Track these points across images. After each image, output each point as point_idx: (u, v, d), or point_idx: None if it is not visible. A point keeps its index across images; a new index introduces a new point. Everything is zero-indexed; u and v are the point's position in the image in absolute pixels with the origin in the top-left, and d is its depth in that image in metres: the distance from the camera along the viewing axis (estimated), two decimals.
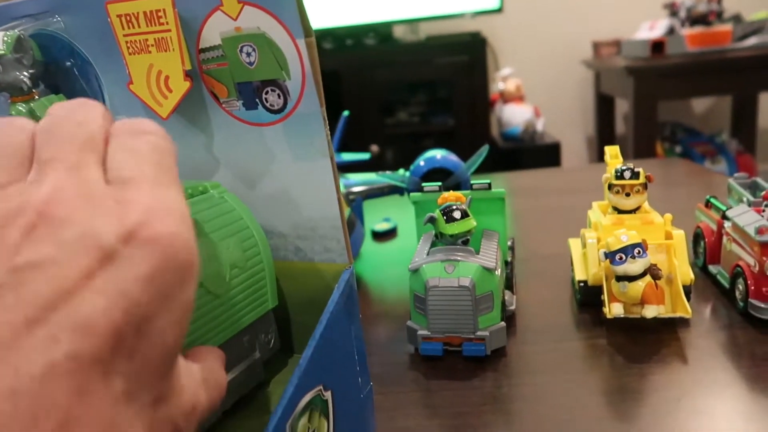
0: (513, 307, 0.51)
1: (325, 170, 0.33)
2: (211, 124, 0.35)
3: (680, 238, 0.50)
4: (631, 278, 0.45)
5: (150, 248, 0.17)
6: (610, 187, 0.52)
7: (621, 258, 0.45)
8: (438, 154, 0.68)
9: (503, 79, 2.14)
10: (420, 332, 0.46)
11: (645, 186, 0.51)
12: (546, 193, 0.93)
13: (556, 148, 2.00)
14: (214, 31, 0.31)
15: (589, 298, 0.51)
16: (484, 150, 0.65)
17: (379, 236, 0.78)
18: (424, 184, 0.54)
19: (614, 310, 0.46)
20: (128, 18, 0.31)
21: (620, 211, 0.52)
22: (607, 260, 0.46)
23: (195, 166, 0.36)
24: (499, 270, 0.47)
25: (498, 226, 0.53)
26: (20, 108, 0.34)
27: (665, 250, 0.49)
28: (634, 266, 0.45)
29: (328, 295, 0.32)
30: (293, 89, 0.32)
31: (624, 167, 0.51)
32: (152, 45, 0.31)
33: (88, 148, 0.19)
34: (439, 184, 0.54)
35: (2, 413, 0.13)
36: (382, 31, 2.13)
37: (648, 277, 0.45)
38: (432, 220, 0.47)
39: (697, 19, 1.81)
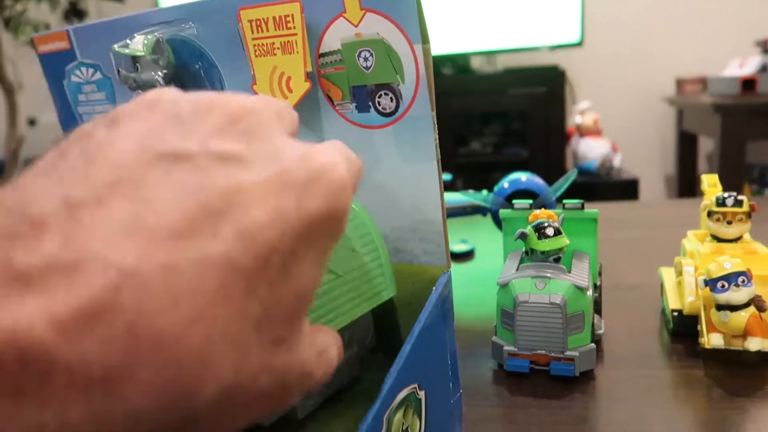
0: (602, 332, 0.49)
1: (431, 173, 0.34)
2: (323, 125, 0.36)
3: None
4: (734, 308, 0.43)
5: (324, 191, 0.17)
6: (710, 214, 0.50)
7: (723, 286, 0.43)
8: (523, 176, 0.68)
9: (581, 112, 2.11)
10: (506, 348, 0.45)
11: (748, 215, 0.49)
12: (628, 225, 0.91)
13: (634, 185, 1.95)
14: (335, 36, 0.33)
15: (682, 328, 0.49)
16: (573, 174, 0.64)
17: (457, 257, 0.78)
18: (514, 201, 0.54)
19: (713, 340, 0.44)
20: (258, 23, 0.34)
21: (720, 240, 0.50)
22: (707, 288, 0.44)
23: None
24: (590, 290, 0.46)
25: (589, 248, 0.52)
26: None
27: None
28: (738, 295, 0.43)
29: (424, 298, 0.33)
30: (406, 93, 0.33)
31: (726, 194, 0.49)
32: (278, 48, 0.34)
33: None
34: (530, 201, 0.53)
35: (157, 282, 0.14)
36: (459, 62, 2.15)
37: (752, 308, 0.43)
38: (523, 236, 0.47)
39: None
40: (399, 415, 0.29)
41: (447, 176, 0.88)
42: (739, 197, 0.49)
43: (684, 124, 2.18)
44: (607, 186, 1.97)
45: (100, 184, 0.15)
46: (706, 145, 2.30)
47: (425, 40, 0.32)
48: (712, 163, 2.33)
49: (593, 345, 0.45)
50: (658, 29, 2.27)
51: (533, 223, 0.47)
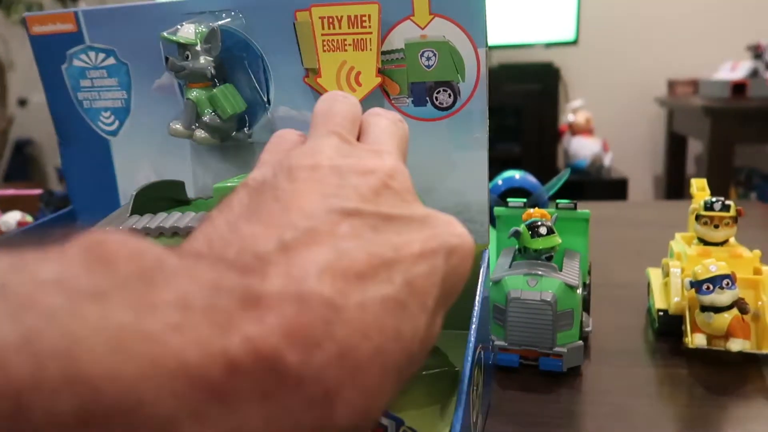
0: (590, 329, 0.51)
1: (481, 160, 0.39)
2: None
3: None
4: (718, 309, 0.45)
5: (462, 256, 0.21)
6: (698, 218, 0.52)
7: (708, 288, 0.45)
8: (517, 174, 0.69)
9: (573, 111, 2.12)
10: (497, 343, 0.46)
11: (735, 220, 0.50)
12: (617, 224, 0.92)
13: (623, 184, 1.97)
14: (400, 36, 0.36)
15: (667, 327, 0.51)
16: (566, 173, 0.66)
17: None
18: (508, 199, 0.55)
19: (697, 340, 0.46)
20: (330, 20, 0.36)
21: (706, 243, 0.52)
22: (692, 290, 0.46)
23: None
24: (580, 289, 0.48)
25: (580, 246, 0.53)
26: (198, 93, 0.38)
27: (753, 285, 0.48)
28: (722, 297, 0.44)
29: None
30: (465, 90, 0.37)
31: (714, 199, 0.51)
32: (350, 44, 0.36)
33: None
34: (524, 200, 0.55)
35: (354, 318, 0.16)
36: None
37: (735, 310, 0.45)
38: (517, 234, 0.48)
39: None
40: (476, 370, 0.32)
41: None
42: (727, 202, 0.51)
43: (674, 126, 2.21)
44: (597, 184, 1.99)
45: (303, 229, 0.18)
46: (695, 147, 2.33)
47: (486, 44, 0.36)
48: (700, 165, 2.36)
49: (581, 342, 0.46)
50: (652, 30, 2.29)
51: (527, 222, 0.48)
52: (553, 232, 0.47)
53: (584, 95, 2.26)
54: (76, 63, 0.44)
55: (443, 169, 0.39)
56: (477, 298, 0.34)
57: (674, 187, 2.28)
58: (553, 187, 0.65)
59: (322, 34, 0.36)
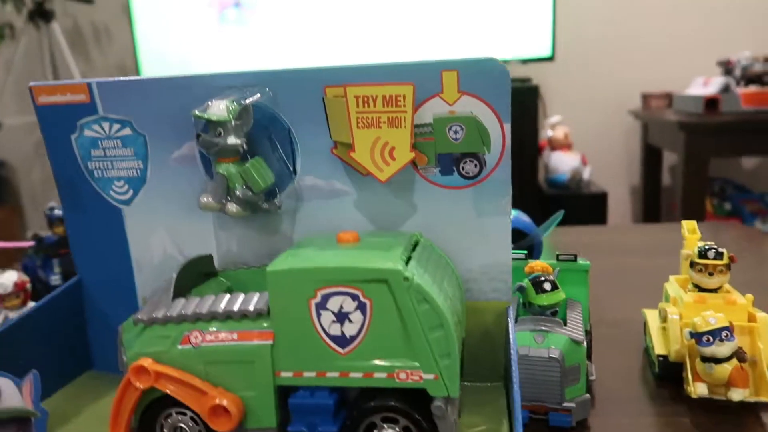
0: (593, 377, 0.52)
1: (504, 225, 0.42)
2: (408, 185, 0.42)
3: (764, 320, 0.50)
4: (718, 360, 0.46)
5: None
6: (693, 265, 0.53)
7: (708, 340, 0.46)
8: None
9: (552, 126, 2.16)
10: None
11: (728, 266, 0.52)
12: (599, 252, 0.94)
13: (602, 198, 2.00)
14: (429, 111, 0.39)
15: (668, 372, 0.52)
16: (559, 215, 0.67)
17: None
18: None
19: (699, 389, 0.47)
20: (365, 99, 0.38)
21: (701, 289, 0.53)
22: (693, 340, 0.47)
23: (390, 217, 0.43)
24: (585, 342, 0.49)
25: (580, 296, 0.55)
26: (229, 168, 0.39)
27: (749, 332, 0.50)
28: (722, 349, 0.46)
29: (493, 329, 0.40)
30: (491, 160, 0.40)
31: (707, 246, 0.53)
32: (384, 122, 0.38)
33: None
34: (525, 252, 0.56)
35: None
36: None
37: (734, 360, 0.46)
38: (521, 290, 0.49)
39: (752, 79, 1.81)
40: None
41: None
42: (720, 249, 0.52)
43: (649, 138, 2.25)
44: (577, 199, 2.02)
45: None
46: (670, 158, 2.39)
47: (509, 119, 0.39)
48: (675, 176, 2.41)
49: (588, 396, 0.47)
50: (626, 46, 2.34)
51: (530, 276, 0.49)
52: (557, 287, 0.49)
53: (561, 110, 2.30)
54: (88, 133, 0.44)
55: (468, 233, 0.42)
56: (512, 357, 0.37)
57: (651, 197, 2.33)
58: (548, 229, 0.67)
59: (357, 112, 0.38)
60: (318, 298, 0.33)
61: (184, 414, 0.35)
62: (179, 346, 0.35)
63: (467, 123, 0.39)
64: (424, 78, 0.38)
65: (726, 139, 1.80)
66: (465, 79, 0.38)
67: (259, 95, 0.40)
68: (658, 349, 0.53)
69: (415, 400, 0.34)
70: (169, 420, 0.36)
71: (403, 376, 0.33)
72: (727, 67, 1.89)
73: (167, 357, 0.35)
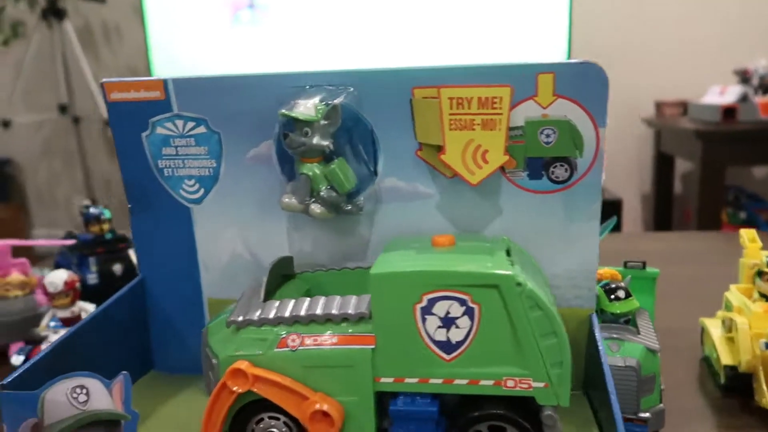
0: (663, 387, 0.51)
1: (592, 230, 0.41)
2: (494, 189, 0.41)
3: None
4: None
5: None
6: (761, 273, 0.53)
7: None
8: None
9: None
10: None
11: None
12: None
13: (617, 205, 2.00)
14: (521, 114, 0.38)
15: (735, 383, 0.52)
16: (612, 221, 0.66)
17: None
18: None
19: None
20: (459, 101, 0.37)
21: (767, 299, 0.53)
22: (767, 350, 0.47)
23: (473, 220, 0.42)
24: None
25: (647, 304, 0.54)
26: (314, 168, 0.38)
27: None
28: None
29: (575, 336, 0.39)
30: (582, 165, 0.39)
31: None
32: (478, 124, 0.37)
33: None
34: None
35: None
36: None
37: None
38: None
39: None
40: None
41: None
42: None
43: (662, 146, 2.25)
44: None
45: None
46: (682, 166, 2.39)
47: (605, 124, 0.38)
48: (687, 184, 2.41)
49: (662, 406, 0.46)
50: (640, 52, 2.34)
51: (601, 284, 0.49)
52: (630, 296, 0.48)
53: None
54: (160, 131, 0.43)
55: (555, 239, 0.41)
56: (604, 365, 0.36)
57: (663, 206, 2.32)
58: (601, 234, 0.66)
59: (450, 114, 0.37)
60: (424, 303, 0.32)
61: (278, 419, 0.34)
62: (276, 349, 0.34)
63: (560, 126, 0.38)
64: (519, 80, 0.37)
65: (743, 147, 1.80)
66: (561, 83, 0.37)
67: (343, 96, 0.39)
68: (725, 359, 0.53)
69: (521, 407, 0.33)
70: (261, 425, 0.35)
71: (511, 383, 0.32)
72: (744, 76, 1.89)
73: (263, 360, 0.34)
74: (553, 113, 0.38)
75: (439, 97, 0.37)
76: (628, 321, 0.48)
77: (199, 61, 2.31)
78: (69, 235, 0.82)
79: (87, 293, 0.67)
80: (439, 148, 0.38)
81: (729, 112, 1.81)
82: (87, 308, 0.60)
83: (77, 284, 0.58)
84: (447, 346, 0.33)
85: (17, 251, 0.70)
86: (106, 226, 0.79)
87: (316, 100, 0.38)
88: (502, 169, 0.39)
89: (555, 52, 2.12)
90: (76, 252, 0.78)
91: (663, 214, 2.35)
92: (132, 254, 0.79)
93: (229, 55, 2.30)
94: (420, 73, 0.39)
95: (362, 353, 0.33)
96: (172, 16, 2.29)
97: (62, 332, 0.57)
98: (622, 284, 0.48)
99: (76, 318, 0.58)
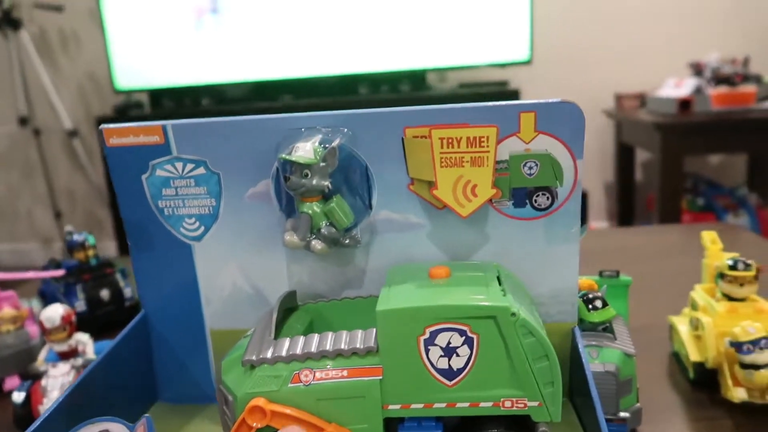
0: (638, 386, 0.55)
1: (573, 251, 0.44)
2: (481, 217, 0.44)
3: None
4: (758, 367, 0.50)
5: None
6: (722, 276, 0.57)
7: (749, 348, 0.50)
8: None
9: None
10: None
11: (756, 277, 0.56)
12: (601, 257, 0.98)
13: (583, 197, 2.06)
14: (505, 149, 0.41)
15: (703, 378, 0.56)
16: (585, 227, 0.70)
17: None
18: None
19: (739, 394, 0.51)
20: (450, 140, 0.40)
21: (730, 298, 0.57)
22: (732, 348, 0.51)
23: (463, 247, 0.45)
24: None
25: (621, 310, 0.58)
26: (313, 206, 0.40)
27: None
28: (762, 356, 0.49)
29: (559, 348, 0.41)
30: (562, 193, 0.43)
31: (737, 259, 0.56)
32: (467, 161, 0.40)
33: None
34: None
35: None
36: (416, 78, 2.21)
37: None
38: None
39: (721, 80, 1.89)
40: None
41: None
42: (748, 261, 0.56)
43: (623, 137, 2.33)
44: None
45: None
46: (642, 155, 2.47)
47: (582, 156, 0.42)
48: (647, 172, 2.50)
49: (639, 405, 0.50)
50: (600, 48, 2.42)
51: (579, 294, 0.52)
52: (606, 305, 0.51)
53: None
54: (160, 173, 0.45)
55: (539, 261, 0.44)
56: (587, 373, 0.40)
57: (626, 195, 2.41)
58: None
59: (441, 152, 0.40)
60: (426, 335, 0.35)
61: None
62: (290, 385, 0.36)
63: (542, 159, 0.41)
64: (503, 119, 0.40)
65: (699, 138, 1.88)
66: (542, 120, 0.40)
67: (339, 138, 0.41)
68: (693, 356, 0.57)
69: (518, 424, 0.37)
70: None
71: (508, 404, 0.36)
72: (697, 69, 1.97)
73: (278, 396, 0.36)
74: (534, 147, 0.41)
75: (430, 137, 0.39)
76: (606, 328, 0.52)
77: (163, 68, 2.29)
78: (53, 263, 0.82)
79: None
80: (431, 184, 0.41)
81: (684, 104, 1.89)
82: (82, 339, 0.61)
83: (73, 318, 0.59)
84: (449, 374, 0.36)
85: None
86: (91, 252, 0.79)
87: (315, 143, 0.40)
88: (489, 200, 0.42)
89: (517, 52, 2.17)
90: (62, 280, 0.78)
91: (626, 202, 2.43)
92: (119, 279, 0.80)
93: (193, 61, 2.28)
94: (411, 114, 0.41)
95: (371, 384, 0.36)
96: (132, 21, 2.25)
97: (60, 366, 0.58)
98: (599, 294, 0.52)
99: (73, 351, 0.58)
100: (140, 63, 2.30)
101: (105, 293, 0.78)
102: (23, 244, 2.85)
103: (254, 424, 0.35)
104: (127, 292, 0.80)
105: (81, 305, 0.76)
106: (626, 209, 2.43)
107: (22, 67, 2.42)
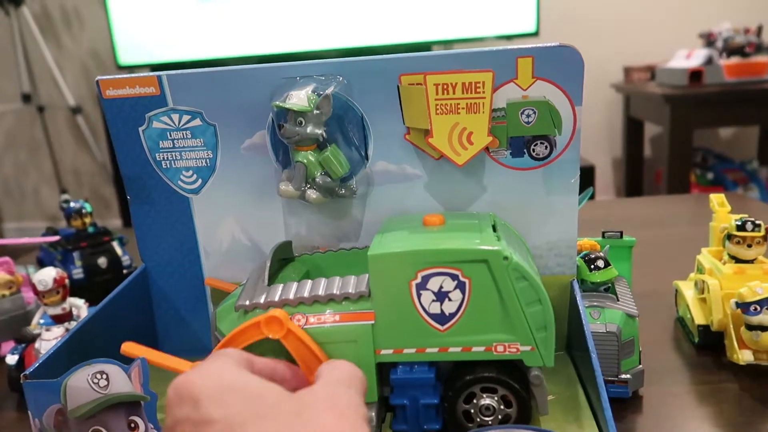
0: (641, 349, 0.54)
1: (572, 203, 0.44)
2: (479, 167, 0.43)
3: None
4: (765, 328, 0.48)
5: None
6: (730, 237, 0.55)
7: (756, 309, 0.48)
8: None
9: None
10: None
11: (765, 237, 0.54)
12: (610, 226, 0.96)
13: (590, 171, 2.04)
14: (502, 97, 0.40)
15: (708, 341, 0.55)
16: (589, 191, 0.68)
17: None
18: None
19: (745, 356, 0.50)
20: (445, 86, 0.38)
21: (737, 260, 0.55)
22: (738, 309, 0.49)
23: (460, 198, 0.45)
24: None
25: (625, 272, 0.56)
26: (308, 156, 0.39)
27: None
28: None
29: (558, 301, 0.42)
30: (561, 142, 0.42)
31: (746, 219, 0.54)
32: (463, 108, 0.39)
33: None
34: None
35: None
36: (421, 50, 2.17)
37: None
38: None
39: (734, 50, 1.85)
40: None
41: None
42: (757, 222, 0.54)
43: (631, 111, 2.29)
44: None
45: None
46: (651, 130, 2.43)
47: (581, 102, 0.41)
48: (656, 147, 2.47)
49: (641, 367, 0.49)
50: (608, 19, 2.37)
51: (581, 255, 0.51)
52: (609, 265, 0.50)
53: None
54: (156, 125, 0.44)
55: (537, 212, 0.44)
56: (585, 327, 0.39)
57: (634, 169, 2.38)
58: (579, 204, 0.68)
59: (436, 99, 0.39)
60: (418, 279, 0.35)
61: None
62: None
63: (540, 107, 0.40)
64: (500, 64, 0.39)
65: (709, 110, 1.84)
66: (540, 65, 0.39)
67: (334, 86, 0.40)
68: (698, 319, 0.56)
69: (510, 369, 0.36)
70: None
71: (500, 348, 0.35)
72: (709, 40, 1.92)
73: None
74: (532, 94, 0.40)
75: (425, 84, 0.38)
76: (608, 289, 0.50)
77: (166, 43, 2.26)
78: (50, 231, 0.82)
79: (73, 288, 0.67)
80: (427, 132, 0.39)
81: (695, 75, 1.85)
82: (77, 304, 0.60)
83: (66, 281, 0.58)
84: (441, 318, 0.35)
85: None
86: (88, 220, 0.78)
87: (309, 90, 0.39)
88: (486, 148, 0.40)
89: (524, 22, 2.12)
90: (60, 247, 0.77)
91: (634, 177, 2.40)
92: (116, 246, 0.79)
93: (196, 36, 2.25)
94: (406, 61, 0.40)
95: (363, 329, 0.36)
96: None
97: (54, 329, 0.57)
98: (601, 254, 0.51)
99: (67, 314, 0.58)
100: (143, 38, 2.28)
101: (102, 261, 0.77)
102: (30, 222, 2.86)
103: (268, 333, 0.35)
104: (125, 260, 0.79)
105: (78, 272, 0.76)
106: (634, 185, 2.40)
107: (24, 44, 2.40)
